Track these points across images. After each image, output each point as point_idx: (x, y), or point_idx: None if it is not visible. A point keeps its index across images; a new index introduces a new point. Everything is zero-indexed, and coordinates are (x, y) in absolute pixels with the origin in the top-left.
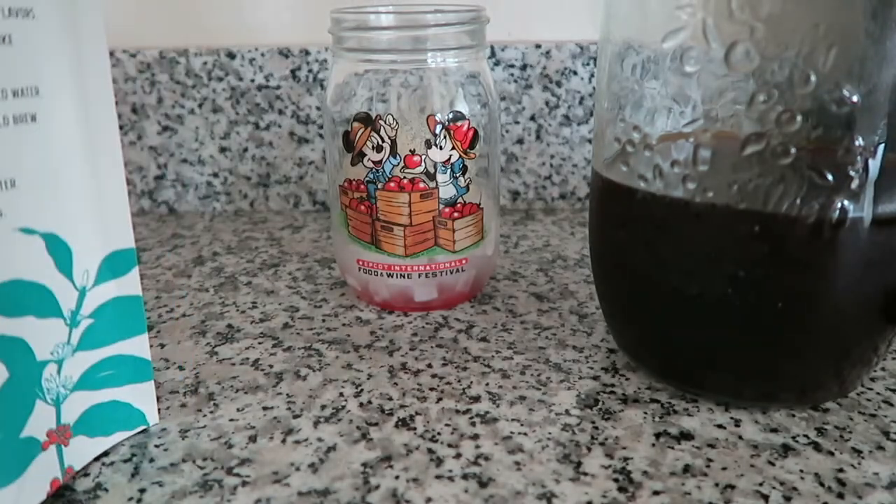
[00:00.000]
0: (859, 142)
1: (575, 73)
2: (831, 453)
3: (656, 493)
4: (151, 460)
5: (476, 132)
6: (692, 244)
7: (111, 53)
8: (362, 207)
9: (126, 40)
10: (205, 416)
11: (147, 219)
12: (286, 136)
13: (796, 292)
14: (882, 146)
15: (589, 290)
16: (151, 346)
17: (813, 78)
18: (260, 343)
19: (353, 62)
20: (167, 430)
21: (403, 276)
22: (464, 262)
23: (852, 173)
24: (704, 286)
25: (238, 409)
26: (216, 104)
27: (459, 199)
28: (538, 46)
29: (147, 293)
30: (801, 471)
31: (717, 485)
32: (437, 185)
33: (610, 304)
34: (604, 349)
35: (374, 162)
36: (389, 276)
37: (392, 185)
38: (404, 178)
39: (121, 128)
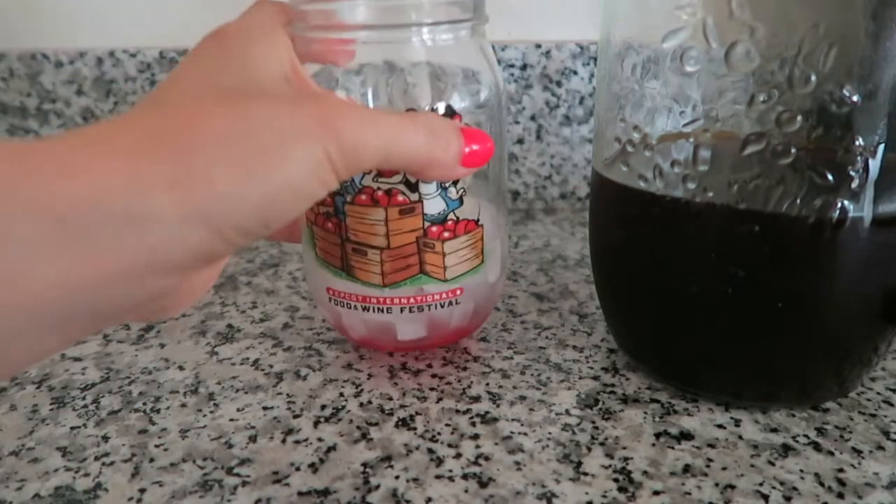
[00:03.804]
0: (859, 142)
1: (575, 73)
2: (831, 453)
3: (656, 493)
4: (151, 460)
5: None
6: (692, 244)
7: (111, 53)
8: (329, 225)
9: (126, 40)
10: (205, 416)
11: None
12: None
13: (796, 292)
14: (882, 146)
15: (589, 290)
16: (151, 347)
17: (813, 78)
18: (260, 343)
19: (320, 44)
20: (167, 430)
21: (382, 311)
22: (458, 292)
23: (852, 173)
24: (704, 286)
25: (238, 409)
26: None
27: (451, 215)
28: (538, 46)
29: None
30: (801, 471)
31: (717, 485)
32: (420, 197)
33: (610, 304)
34: (604, 349)
35: None
36: (365, 309)
37: (363, 197)
38: (378, 188)
39: None
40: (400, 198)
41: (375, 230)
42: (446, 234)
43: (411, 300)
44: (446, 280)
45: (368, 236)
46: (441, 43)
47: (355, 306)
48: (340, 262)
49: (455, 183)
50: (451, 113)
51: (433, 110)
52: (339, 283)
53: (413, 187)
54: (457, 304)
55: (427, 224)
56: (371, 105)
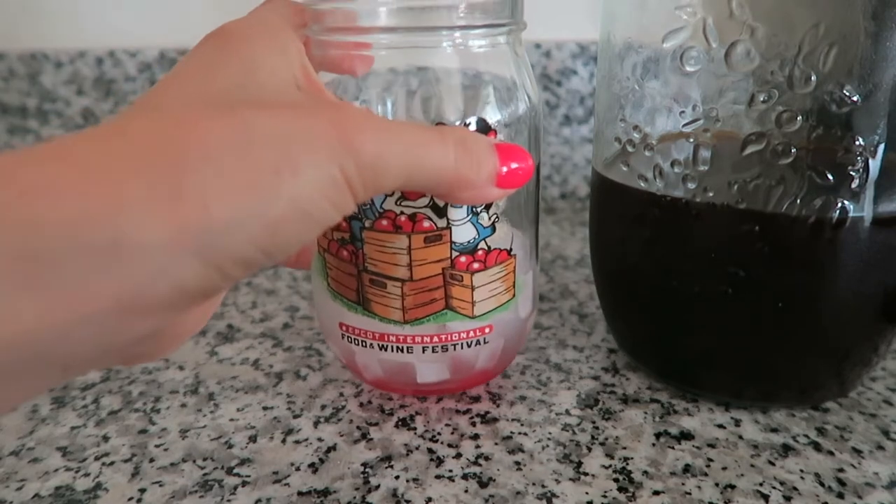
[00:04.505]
0: (860, 142)
1: (575, 73)
2: (831, 453)
3: (656, 493)
4: (151, 460)
5: None
6: (692, 244)
7: (111, 53)
8: (344, 253)
9: (126, 40)
10: (205, 416)
11: None
12: None
13: (796, 292)
14: (882, 146)
15: (589, 290)
16: None
17: (813, 78)
18: (260, 343)
19: (338, 48)
20: (167, 430)
21: (402, 350)
22: (487, 330)
23: (853, 173)
24: (704, 286)
25: (238, 409)
26: None
27: (482, 244)
28: (538, 46)
29: None
30: (802, 471)
31: (717, 485)
32: (448, 224)
33: (610, 304)
34: (604, 349)
35: None
36: (382, 348)
37: (384, 222)
38: (401, 213)
39: None
40: (426, 224)
41: (397, 260)
42: (476, 266)
43: (434, 338)
44: (474, 317)
45: (389, 266)
46: (474, 49)
47: (371, 344)
48: (356, 294)
49: (487, 207)
50: (484, 128)
51: (465, 125)
52: (354, 317)
53: (441, 212)
54: (485, 343)
55: (455, 254)
56: (391, 118)
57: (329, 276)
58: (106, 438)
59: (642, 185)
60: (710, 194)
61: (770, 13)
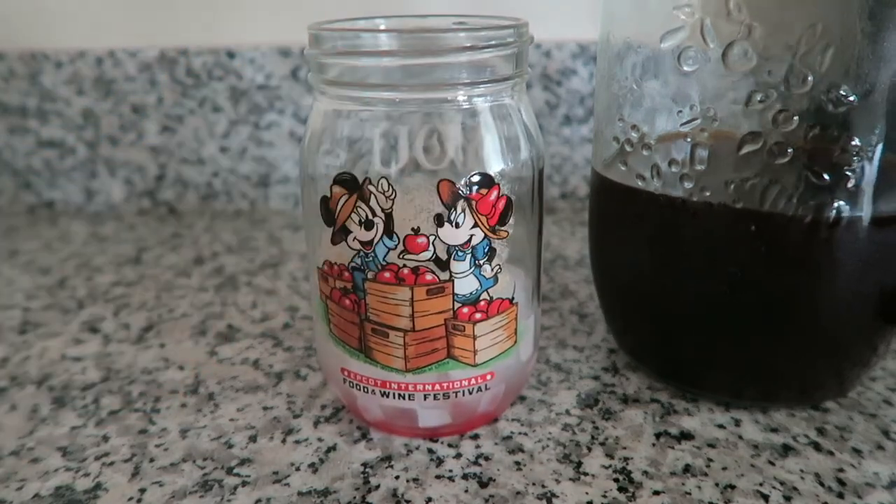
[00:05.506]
0: (856, 142)
1: (575, 73)
2: (831, 453)
3: (656, 493)
4: (151, 460)
5: (509, 201)
6: (690, 243)
7: (111, 53)
8: (347, 302)
9: (126, 40)
10: (205, 416)
11: (147, 219)
12: (286, 136)
13: (794, 292)
14: (879, 146)
15: (589, 290)
16: (151, 347)
17: (810, 78)
18: (260, 343)
19: (338, 100)
20: (167, 430)
21: (403, 397)
22: (489, 377)
23: (849, 173)
24: (703, 285)
25: (238, 409)
26: (216, 104)
27: (484, 295)
28: (538, 46)
29: (147, 293)
30: (802, 471)
31: (717, 485)
32: (451, 276)
33: (610, 304)
34: (604, 349)
35: (361, 242)
36: (384, 394)
37: (387, 274)
38: (404, 266)
39: (121, 128)
40: (428, 276)
41: (399, 311)
42: (478, 316)
43: (436, 386)
44: (476, 365)
45: (391, 317)
46: (478, 105)
47: (373, 390)
48: (358, 342)
49: (490, 259)
50: (487, 181)
51: (468, 179)
52: (356, 364)
53: (443, 265)
54: (486, 389)
55: (457, 305)
56: (394, 168)
57: (331, 322)
58: (106, 438)
59: (640, 184)
60: (708, 194)
61: (767, 13)
